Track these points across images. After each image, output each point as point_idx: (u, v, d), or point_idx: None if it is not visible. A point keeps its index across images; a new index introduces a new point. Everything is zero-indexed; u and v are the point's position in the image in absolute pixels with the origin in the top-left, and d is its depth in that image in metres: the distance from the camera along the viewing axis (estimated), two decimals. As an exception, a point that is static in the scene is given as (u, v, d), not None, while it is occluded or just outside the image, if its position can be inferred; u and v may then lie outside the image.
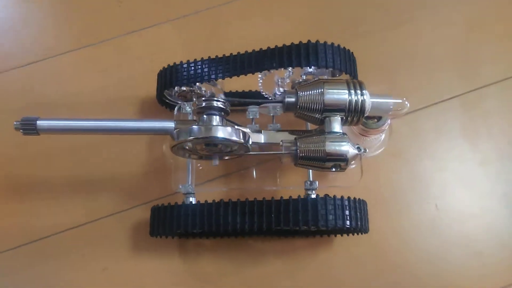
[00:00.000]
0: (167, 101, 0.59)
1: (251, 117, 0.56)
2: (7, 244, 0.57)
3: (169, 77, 0.54)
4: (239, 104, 0.54)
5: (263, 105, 0.55)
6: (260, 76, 0.54)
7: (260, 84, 0.55)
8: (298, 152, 0.48)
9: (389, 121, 0.54)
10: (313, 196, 0.50)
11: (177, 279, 0.56)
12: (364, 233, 0.54)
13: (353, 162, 0.50)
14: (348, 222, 0.49)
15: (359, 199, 0.50)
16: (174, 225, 0.50)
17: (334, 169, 0.48)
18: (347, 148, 0.48)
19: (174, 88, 0.55)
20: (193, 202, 0.52)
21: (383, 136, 0.58)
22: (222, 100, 0.48)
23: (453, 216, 0.59)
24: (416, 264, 0.57)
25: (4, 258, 0.57)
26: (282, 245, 0.58)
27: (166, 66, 0.55)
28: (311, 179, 0.52)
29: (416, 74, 0.66)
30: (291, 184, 0.59)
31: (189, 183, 0.53)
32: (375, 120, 0.54)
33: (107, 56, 0.67)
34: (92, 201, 0.59)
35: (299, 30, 0.69)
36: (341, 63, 0.51)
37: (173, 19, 0.70)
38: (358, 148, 0.49)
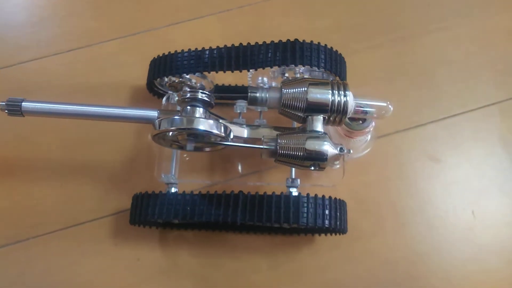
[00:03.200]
0: (156, 89, 0.60)
1: (238, 111, 0.57)
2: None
3: (158, 66, 0.54)
4: (227, 98, 0.55)
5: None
6: (249, 72, 0.55)
7: (249, 79, 0.56)
8: (278, 148, 0.48)
9: (373, 123, 0.55)
10: (295, 193, 0.50)
11: (156, 269, 0.57)
12: (342, 234, 0.54)
13: (336, 162, 0.50)
14: (327, 222, 0.49)
15: (339, 199, 0.51)
16: (154, 213, 0.51)
17: (312, 168, 0.49)
18: (327, 148, 0.48)
19: (162, 78, 0.55)
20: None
21: (368, 137, 0.58)
22: (207, 93, 0.49)
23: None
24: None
25: None
26: (263, 241, 0.58)
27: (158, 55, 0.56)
28: (293, 177, 0.52)
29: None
30: (275, 181, 0.59)
31: (172, 173, 0.54)
32: (360, 121, 0.54)
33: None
34: (74, 188, 0.60)
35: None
36: (327, 63, 0.51)
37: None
38: (341, 148, 0.49)
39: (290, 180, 0.52)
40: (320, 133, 0.49)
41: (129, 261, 0.57)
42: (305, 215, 0.48)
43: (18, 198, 0.59)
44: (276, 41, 0.50)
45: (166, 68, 0.53)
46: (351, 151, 0.52)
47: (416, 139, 0.63)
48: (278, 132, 0.51)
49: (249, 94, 0.50)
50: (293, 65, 0.50)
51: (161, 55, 0.55)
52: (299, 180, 0.52)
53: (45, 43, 0.69)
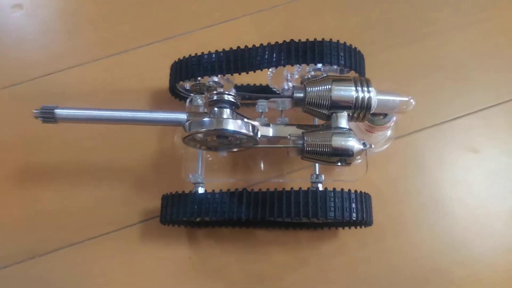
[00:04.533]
0: (178, 92, 0.61)
1: (260, 110, 0.58)
2: None
3: (180, 70, 0.56)
4: (249, 98, 0.56)
5: (272, 99, 0.56)
6: (270, 70, 0.56)
7: (269, 79, 0.57)
8: (305, 146, 0.50)
9: (394, 118, 0.56)
10: (321, 188, 0.51)
11: (184, 267, 0.58)
12: (368, 226, 0.55)
13: (358, 157, 0.52)
14: (354, 215, 0.50)
15: (364, 192, 0.52)
16: (185, 212, 0.52)
17: (339, 163, 0.50)
18: (353, 144, 0.49)
19: (184, 81, 0.57)
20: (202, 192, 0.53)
21: (388, 132, 0.59)
22: (233, 94, 0.50)
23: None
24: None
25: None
26: (286, 236, 0.59)
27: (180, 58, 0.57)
28: (317, 173, 0.54)
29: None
30: (297, 177, 0.61)
31: (199, 173, 0.55)
32: (381, 117, 0.56)
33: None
34: (100, 191, 0.61)
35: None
36: (348, 61, 0.52)
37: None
38: (363, 143, 0.51)
39: (315, 176, 0.53)
40: (345, 129, 0.50)
41: (157, 259, 0.59)
42: (332, 209, 0.49)
43: (68, 202, 0.61)
44: (303, 40, 0.51)
45: (183, 72, 0.54)
46: (373, 146, 0.54)
47: (453, 132, 0.64)
48: (303, 130, 0.52)
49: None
50: (313, 64, 0.52)
51: (181, 58, 0.56)
52: (323, 175, 0.53)
53: (82, 50, 0.70)
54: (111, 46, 0.70)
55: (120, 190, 0.61)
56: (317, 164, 0.54)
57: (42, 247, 0.59)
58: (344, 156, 0.49)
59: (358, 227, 0.57)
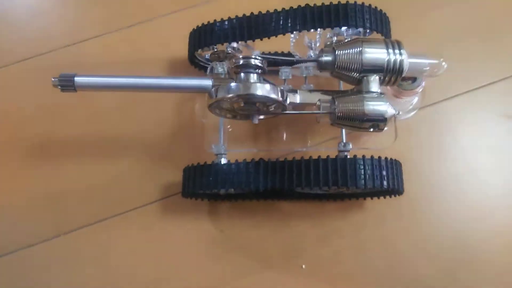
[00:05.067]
0: (198, 62, 0.58)
1: (283, 78, 0.56)
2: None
3: (200, 37, 0.53)
4: (274, 64, 0.54)
5: (295, 65, 0.54)
6: (292, 37, 0.54)
7: (292, 45, 0.55)
8: (337, 111, 0.48)
9: (423, 83, 0.54)
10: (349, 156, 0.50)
11: (207, 241, 0.56)
12: (399, 195, 0.53)
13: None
14: (385, 183, 0.48)
15: (394, 159, 0.50)
16: (209, 184, 0.50)
17: (372, 129, 0.48)
18: (385, 108, 0.47)
19: (205, 48, 0.54)
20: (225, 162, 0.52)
21: (416, 99, 0.57)
22: (260, 58, 0.48)
23: None
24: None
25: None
26: (312, 208, 0.58)
27: (198, 26, 0.54)
28: (344, 141, 0.52)
29: None
30: (322, 147, 0.59)
31: (221, 143, 0.53)
32: (410, 81, 0.54)
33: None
34: (119, 164, 0.59)
35: None
36: (372, 23, 0.50)
37: None
38: (398, 112, 0.49)
39: (342, 144, 0.51)
40: (376, 93, 0.48)
41: (179, 233, 0.57)
42: (362, 176, 0.47)
43: (90, 177, 0.59)
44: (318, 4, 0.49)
45: (206, 38, 0.52)
46: (400, 112, 0.52)
47: (488, 98, 0.62)
48: (333, 95, 0.50)
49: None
50: (338, 27, 0.49)
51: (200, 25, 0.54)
52: (350, 144, 0.51)
53: (103, 20, 0.68)
54: (134, 15, 0.68)
55: (144, 163, 0.59)
56: (344, 132, 0.52)
57: (67, 225, 0.57)
58: (377, 121, 0.48)
59: (388, 196, 0.56)
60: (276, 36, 0.50)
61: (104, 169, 0.59)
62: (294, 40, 0.55)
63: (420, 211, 0.57)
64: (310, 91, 0.52)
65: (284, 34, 0.50)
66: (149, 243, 0.56)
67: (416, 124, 0.60)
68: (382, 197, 0.56)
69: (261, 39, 0.50)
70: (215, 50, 0.54)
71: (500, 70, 0.63)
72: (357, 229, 0.57)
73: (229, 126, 0.58)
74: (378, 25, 0.51)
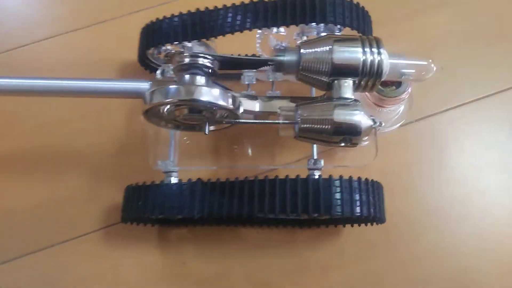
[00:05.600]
0: (149, 63, 0.51)
1: (246, 82, 0.48)
2: None
3: (148, 35, 0.45)
4: (230, 65, 0.45)
5: (260, 68, 0.46)
6: (257, 36, 0.46)
7: (258, 45, 0.47)
8: (300, 121, 0.39)
9: (409, 89, 0.45)
10: (316, 176, 0.41)
11: (156, 274, 0.48)
12: (380, 223, 0.45)
13: (366, 137, 0.42)
14: (358, 209, 0.40)
15: (372, 181, 0.42)
16: (150, 208, 0.42)
17: (343, 144, 0.40)
18: (360, 118, 0.39)
19: (155, 47, 0.46)
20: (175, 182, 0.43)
21: (401, 107, 0.49)
22: (210, 57, 0.40)
23: None
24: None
25: None
26: (282, 236, 0.49)
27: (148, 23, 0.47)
28: (315, 157, 0.44)
29: None
30: (292, 164, 0.50)
31: (171, 159, 0.45)
32: (393, 87, 0.45)
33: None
34: (60, 187, 0.51)
35: None
36: (346, 18, 0.42)
37: None
38: (373, 120, 0.41)
39: (313, 161, 0.43)
40: (350, 100, 0.39)
41: (123, 263, 0.48)
42: (339, 202, 0.39)
43: (24, 201, 0.51)
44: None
45: (154, 37, 0.44)
46: (383, 124, 0.43)
47: (501, 106, 0.54)
48: (297, 103, 0.42)
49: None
50: (304, 24, 0.42)
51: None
52: (322, 161, 0.43)
53: (56, 21, 0.61)
54: (87, 16, 0.60)
55: (84, 184, 0.51)
56: (315, 147, 0.44)
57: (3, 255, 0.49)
58: (349, 134, 0.39)
59: (369, 224, 0.47)
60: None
61: (38, 192, 0.51)
62: (259, 41, 0.47)
63: (412, 241, 0.49)
64: (272, 97, 0.44)
65: (235, 32, 0.42)
66: (98, 278, 0.48)
67: (401, 137, 0.52)
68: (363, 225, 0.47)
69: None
70: (169, 50, 0.46)
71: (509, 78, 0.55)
72: (333, 262, 0.48)
73: (185, 138, 0.50)
74: (354, 21, 0.43)
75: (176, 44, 0.43)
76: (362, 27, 0.44)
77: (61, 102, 0.49)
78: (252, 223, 0.48)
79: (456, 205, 0.49)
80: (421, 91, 0.51)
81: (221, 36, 0.42)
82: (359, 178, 0.41)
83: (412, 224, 0.49)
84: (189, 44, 0.44)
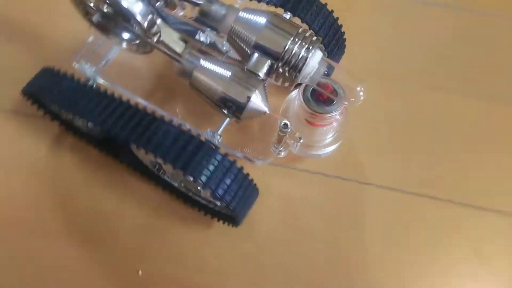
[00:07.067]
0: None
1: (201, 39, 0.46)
2: None
3: None
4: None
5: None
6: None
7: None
8: (194, 71, 0.38)
9: (341, 113, 0.42)
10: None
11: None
12: (234, 225, 0.43)
13: (280, 147, 0.41)
14: (221, 191, 0.37)
15: (251, 180, 0.40)
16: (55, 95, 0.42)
17: (226, 111, 0.38)
18: (249, 96, 0.37)
19: None
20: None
21: (333, 127, 0.45)
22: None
23: None
24: None
25: None
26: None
27: None
28: (219, 132, 0.41)
29: None
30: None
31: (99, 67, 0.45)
32: (327, 104, 0.42)
33: None
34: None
35: None
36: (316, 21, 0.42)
37: None
38: (284, 124, 0.39)
39: (211, 132, 0.41)
40: (256, 76, 0.38)
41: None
42: (209, 173, 0.37)
43: None
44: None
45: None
46: (301, 140, 0.41)
47: None
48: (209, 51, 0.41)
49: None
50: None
51: None
52: (220, 137, 0.40)
53: None
54: None
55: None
56: (223, 124, 0.42)
57: None
58: (234, 105, 0.37)
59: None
60: None
61: None
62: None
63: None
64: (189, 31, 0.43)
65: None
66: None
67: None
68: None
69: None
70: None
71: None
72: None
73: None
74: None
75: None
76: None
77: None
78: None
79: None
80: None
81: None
82: (241, 168, 0.38)
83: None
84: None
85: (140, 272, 0.44)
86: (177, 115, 0.49)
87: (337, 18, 0.45)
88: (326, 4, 0.44)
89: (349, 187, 0.48)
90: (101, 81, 0.45)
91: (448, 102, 0.52)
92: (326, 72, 0.39)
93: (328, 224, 0.46)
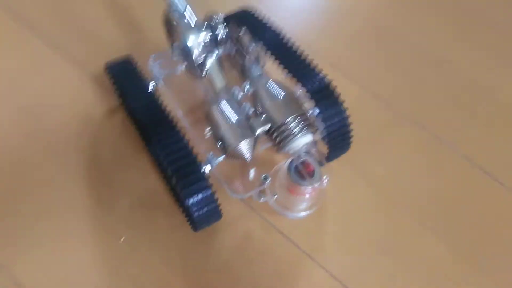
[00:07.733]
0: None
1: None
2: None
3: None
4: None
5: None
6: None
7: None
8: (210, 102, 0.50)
9: (315, 186, 0.49)
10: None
11: None
12: (193, 229, 0.51)
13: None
14: (190, 201, 0.45)
15: (218, 206, 0.47)
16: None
17: (218, 145, 0.49)
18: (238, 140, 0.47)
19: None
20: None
21: (305, 203, 0.53)
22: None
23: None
24: None
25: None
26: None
27: None
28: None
29: None
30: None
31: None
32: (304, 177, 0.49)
33: None
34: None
35: None
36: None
37: None
38: (265, 177, 0.49)
39: (212, 155, 0.48)
40: (254, 131, 0.48)
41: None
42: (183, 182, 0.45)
43: None
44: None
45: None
46: (276, 196, 0.49)
47: None
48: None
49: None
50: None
51: None
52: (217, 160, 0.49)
53: None
54: None
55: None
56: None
57: None
58: (225, 143, 0.47)
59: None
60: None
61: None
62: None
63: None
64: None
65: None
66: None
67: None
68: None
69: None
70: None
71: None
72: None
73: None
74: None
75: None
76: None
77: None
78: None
79: None
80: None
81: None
82: (214, 192, 0.46)
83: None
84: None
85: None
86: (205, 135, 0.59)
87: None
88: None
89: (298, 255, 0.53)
90: (161, 84, 0.56)
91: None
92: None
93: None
